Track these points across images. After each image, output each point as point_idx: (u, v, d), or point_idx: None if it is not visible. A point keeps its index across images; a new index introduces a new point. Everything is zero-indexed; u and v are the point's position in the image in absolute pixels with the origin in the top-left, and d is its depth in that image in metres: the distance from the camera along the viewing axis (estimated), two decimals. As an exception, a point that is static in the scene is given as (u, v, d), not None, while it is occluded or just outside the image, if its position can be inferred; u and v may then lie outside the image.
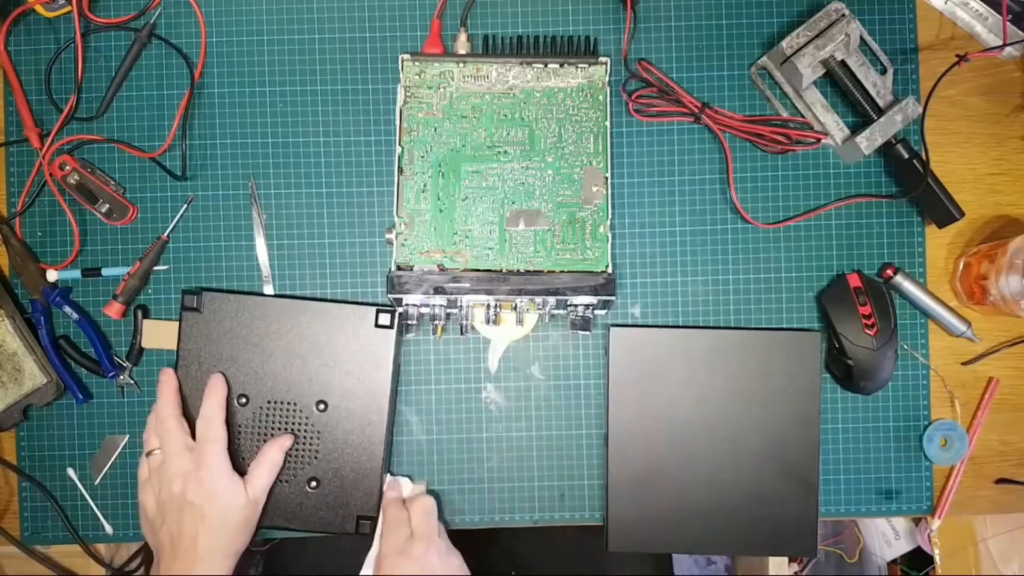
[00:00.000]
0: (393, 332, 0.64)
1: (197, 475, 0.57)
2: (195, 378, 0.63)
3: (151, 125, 0.67)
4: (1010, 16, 0.65)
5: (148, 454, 0.60)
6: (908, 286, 0.66)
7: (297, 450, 0.63)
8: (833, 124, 0.66)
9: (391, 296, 0.61)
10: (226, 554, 0.57)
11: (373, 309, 0.64)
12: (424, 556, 0.58)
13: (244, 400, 0.63)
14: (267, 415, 0.63)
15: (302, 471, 0.63)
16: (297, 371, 0.63)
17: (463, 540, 0.63)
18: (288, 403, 0.63)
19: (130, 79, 0.67)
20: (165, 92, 0.67)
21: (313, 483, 0.63)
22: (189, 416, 0.62)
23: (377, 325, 0.64)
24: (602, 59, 0.64)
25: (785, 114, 0.67)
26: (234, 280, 0.67)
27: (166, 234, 0.67)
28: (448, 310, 0.63)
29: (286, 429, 0.63)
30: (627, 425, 0.64)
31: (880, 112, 0.64)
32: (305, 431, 0.63)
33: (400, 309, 0.63)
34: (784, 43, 0.63)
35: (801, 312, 0.67)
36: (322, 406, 0.63)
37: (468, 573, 0.61)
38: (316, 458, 0.63)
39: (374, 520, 0.63)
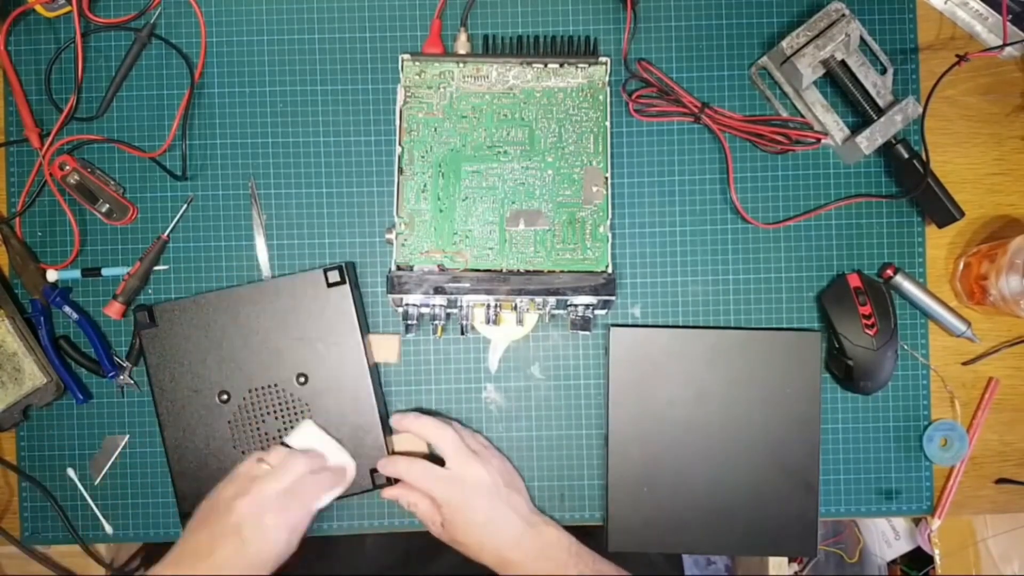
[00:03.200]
0: (347, 287, 0.63)
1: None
2: (170, 391, 0.63)
3: (151, 125, 0.67)
4: (1010, 16, 0.65)
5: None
6: (908, 286, 0.66)
7: (294, 428, 0.63)
8: (833, 124, 0.66)
9: (391, 296, 0.61)
10: None
11: (321, 271, 0.63)
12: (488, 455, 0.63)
13: (225, 397, 0.63)
14: (252, 404, 0.63)
15: None
16: (268, 353, 0.63)
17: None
18: (269, 386, 0.63)
19: (130, 79, 0.67)
20: (165, 92, 0.67)
21: None
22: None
23: (329, 285, 0.63)
24: (602, 59, 0.64)
25: (785, 114, 0.67)
26: (234, 280, 0.67)
27: (166, 234, 0.67)
28: (448, 310, 0.63)
29: (273, 412, 0.63)
30: (627, 425, 0.64)
31: (880, 112, 0.64)
32: (294, 407, 0.63)
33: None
34: (784, 43, 0.63)
35: (801, 312, 0.67)
36: (303, 379, 0.63)
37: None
38: None
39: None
